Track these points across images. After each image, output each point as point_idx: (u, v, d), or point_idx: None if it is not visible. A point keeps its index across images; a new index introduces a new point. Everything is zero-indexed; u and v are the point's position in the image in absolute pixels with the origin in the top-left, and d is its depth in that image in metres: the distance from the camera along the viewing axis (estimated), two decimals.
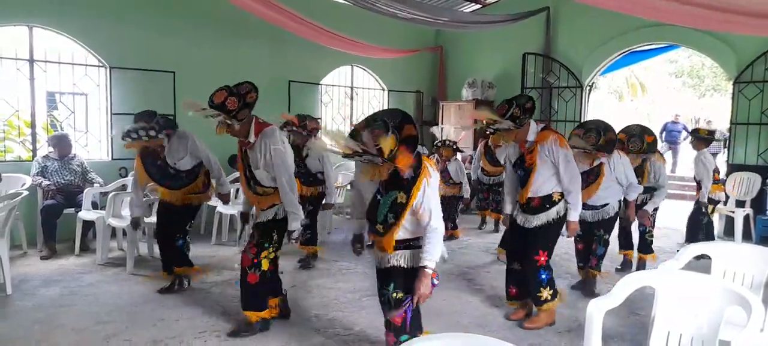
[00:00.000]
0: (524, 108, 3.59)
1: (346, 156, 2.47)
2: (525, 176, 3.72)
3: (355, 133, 2.50)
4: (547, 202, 3.68)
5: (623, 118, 17.37)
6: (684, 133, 13.10)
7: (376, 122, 2.50)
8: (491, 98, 9.41)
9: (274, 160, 3.35)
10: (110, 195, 5.31)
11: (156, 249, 5.58)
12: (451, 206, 6.53)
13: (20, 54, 5.91)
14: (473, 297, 4.51)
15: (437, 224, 2.63)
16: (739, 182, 7.05)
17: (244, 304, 3.54)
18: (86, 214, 5.48)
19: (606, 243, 4.63)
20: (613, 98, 21.30)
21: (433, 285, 2.64)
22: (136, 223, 4.55)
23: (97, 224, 5.29)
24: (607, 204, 4.48)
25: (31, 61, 5.95)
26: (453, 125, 9.25)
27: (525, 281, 3.82)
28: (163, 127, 4.18)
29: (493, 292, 4.64)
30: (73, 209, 5.65)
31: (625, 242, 5.41)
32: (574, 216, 3.71)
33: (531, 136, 3.68)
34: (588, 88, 8.62)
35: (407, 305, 2.70)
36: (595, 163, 4.29)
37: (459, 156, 6.95)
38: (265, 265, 3.48)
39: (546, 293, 3.72)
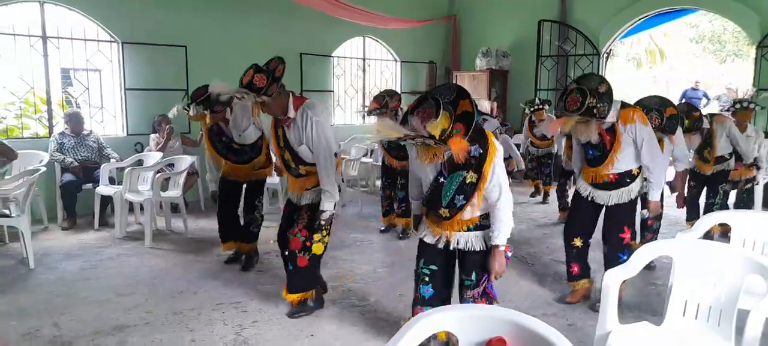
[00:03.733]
0: (599, 94, 3.13)
1: (402, 140, 2.27)
2: (602, 156, 3.46)
3: (406, 116, 2.35)
4: (626, 177, 3.47)
5: (641, 85, 17.03)
6: (704, 101, 12.83)
7: (426, 101, 2.33)
8: (506, 68, 9.27)
9: (315, 132, 3.23)
10: (126, 170, 5.36)
11: (173, 223, 5.68)
12: None
13: (33, 31, 5.93)
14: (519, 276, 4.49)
15: (507, 199, 2.51)
16: (759, 148, 6.88)
17: (292, 288, 3.42)
18: (104, 189, 5.55)
19: (660, 217, 4.51)
20: (632, 66, 20.85)
21: (507, 258, 2.57)
22: (214, 197, 4.51)
23: (114, 198, 5.36)
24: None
25: (44, 37, 5.96)
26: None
27: (586, 258, 3.69)
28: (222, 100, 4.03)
29: (537, 269, 4.58)
30: (90, 184, 5.73)
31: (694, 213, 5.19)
32: (655, 195, 3.55)
33: (611, 117, 3.31)
34: (605, 55, 8.44)
35: (485, 283, 2.63)
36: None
37: (503, 130, 6.75)
38: (318, 249, 3.39)
39: None
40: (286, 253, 3.45)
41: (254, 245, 4.49)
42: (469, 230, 2.61)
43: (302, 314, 3.47)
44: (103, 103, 6.65)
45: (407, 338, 1.58)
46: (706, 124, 4.86)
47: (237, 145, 4.27)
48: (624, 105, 3.43)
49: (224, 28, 7.09)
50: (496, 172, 2.47)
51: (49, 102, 6.17)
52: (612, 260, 3.55)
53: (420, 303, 2.81)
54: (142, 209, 5.53)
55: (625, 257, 3.51)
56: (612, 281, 2.36)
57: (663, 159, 3.56)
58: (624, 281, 2.47)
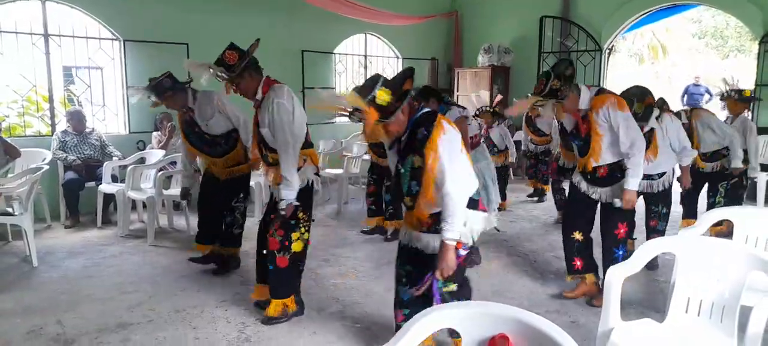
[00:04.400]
0: (564, 77, 3.29)
1: (341, 114, 2.35)
2: (584, 145, 3.45)
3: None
4: (617, 171, 3.41)
5: (643, 81, 16.94)
6: (706, 96, 12.77)
7: (366, 82, 2.40)
8: (508, 64, 9.25)
9: (276, 114, 3.06)
10: (129, 168, 5.37)
11: (176, 220, 5.69)
12: (499, 177, 5.56)
13: (35, 29, 5.93)
14: (521, 274, 4.51)
15: (452, 187, 2.33)
16: (764, 145, 6.88)
17: (273, 292, 3.30)
18: (106, 187, 5.57)
19: (666, 218, 4.32)
20: (634, 61, 20.80)
21: (460, 256, 2.42)
22: (184, 193, 4.40)
23: (117, 196, 5.37)
24: (665, 173, 4.14)
25: (46, 35, 5.97)
26: (469, 92, 9.13)
27: (589, 251, 3.64)
28: (175, 85, 4.00)
29: (538, 266, 4.56)
30: (93, 182, 5.74)
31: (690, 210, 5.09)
32: (632, 184, 3.34)
33: (584, 104, 3.35)
34: (607, 51, 8.42)
35: (429, 280, 2.47)
36: (646, 130, 3.84)
37: (503, 122, 6.59)
38: (297, 246, 3.25)
39: None
40: (265, 252, 3.32)
41: (235, 250, 4.27)
42: (430, 229, 2.52)
43: (282, 321, 3.33)
44: (105, 101, 6.65)
45: (409, 336, 1.58)
46: (684, 120, 4.76)
47: (208, 136, 4.08)
48: (601, 91, 3.41)
49: (226, 25, 7.07)
50: (439, 154, 2.34)
51: (51, 100, 6.17)
52: (607, 255, 3.57)
53: (400, 306, 2.76)
54: (144, 206, 5.55)
55: (619, 252, 3.54)
56: (614, 278, 2.36)
57: (642, 143, 3.36)
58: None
